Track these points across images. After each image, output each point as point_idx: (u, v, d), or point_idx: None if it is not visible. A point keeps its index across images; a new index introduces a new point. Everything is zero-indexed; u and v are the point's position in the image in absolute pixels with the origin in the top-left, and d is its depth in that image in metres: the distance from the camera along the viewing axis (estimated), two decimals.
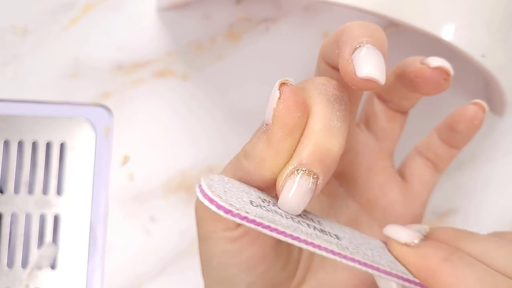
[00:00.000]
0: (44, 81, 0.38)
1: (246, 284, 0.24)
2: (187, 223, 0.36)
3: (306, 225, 0.21)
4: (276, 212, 0.21)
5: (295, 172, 0.20)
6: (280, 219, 0.20)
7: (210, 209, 0.23)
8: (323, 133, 0.21)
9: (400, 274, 0.22)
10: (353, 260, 0.21)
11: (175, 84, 0.38)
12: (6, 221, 0.36)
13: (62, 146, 0.37)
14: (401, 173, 0.29)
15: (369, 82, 0.20)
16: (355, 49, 0.21)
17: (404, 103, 0.27)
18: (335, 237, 0.21)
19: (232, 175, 0.23)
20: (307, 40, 0.39)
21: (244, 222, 0.19)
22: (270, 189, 0.22)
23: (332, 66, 0.24)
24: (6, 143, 0.37)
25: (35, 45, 0.38)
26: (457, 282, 0.21)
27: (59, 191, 0.36)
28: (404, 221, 0.27)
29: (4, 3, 0.39)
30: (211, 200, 0.19)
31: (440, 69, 0.24)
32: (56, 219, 0.36)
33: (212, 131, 0.38)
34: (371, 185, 0.27)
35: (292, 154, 0.21)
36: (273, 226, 0.19)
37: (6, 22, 0.39)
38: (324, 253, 0.20)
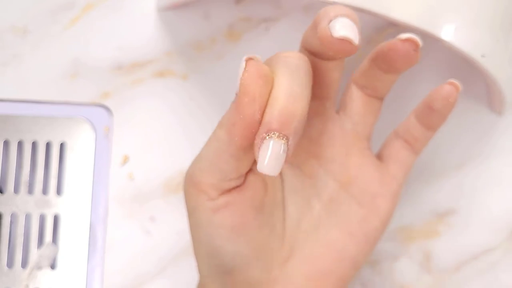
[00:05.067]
0: (44, 81, 0.38)
1: (231, 254, 0.27)
2: (187, 223, 0.36)
3: None
4: None
5: (266, 137, 0.23)
6: None
7: (194, 182, 0.26)
8: (286, 99, 0.23)
9: None
10: None
11: (174, 84, 0.38)
12: (6, 221, 0.36)
13: (62, 146, 0.37)
14: (380, 155, 0.31)
15: (345, 43, 0.23)
16: (331, 20, 0.24)
17: (379, 86, 0.29)
18: None
19: (208, 146, 0.26)
20: None
21: None
22: (244, 156, 0.25)
23: (311, 52, 0.26)
24: (6, 143, 0.37)
25: (35, 45, 0.38)
26: None
27: (59, 191, 0.36)
28: (381, 199, 0.30)
29: (4, 3, 0.39)
30: None
31: (409, 40, 0.26)
32: (56, 219, 0.36)
33: (212, 131, 0.38)
34: (348, 165, 0.30)
35: (258, 120, 0.23)
36: None
37: (6, 22, 0.39)
38: None
